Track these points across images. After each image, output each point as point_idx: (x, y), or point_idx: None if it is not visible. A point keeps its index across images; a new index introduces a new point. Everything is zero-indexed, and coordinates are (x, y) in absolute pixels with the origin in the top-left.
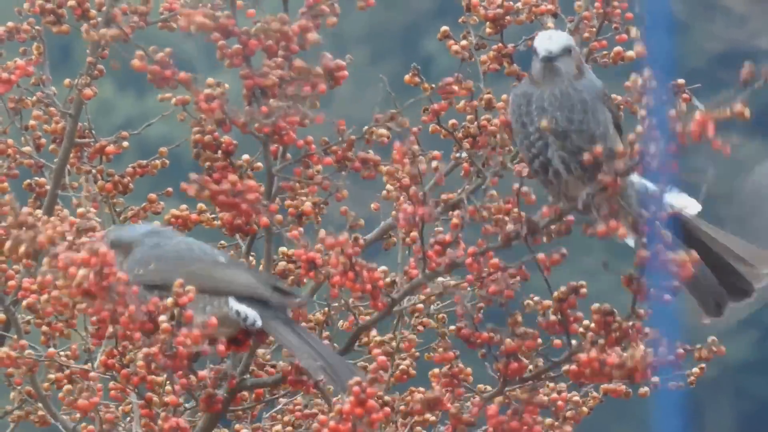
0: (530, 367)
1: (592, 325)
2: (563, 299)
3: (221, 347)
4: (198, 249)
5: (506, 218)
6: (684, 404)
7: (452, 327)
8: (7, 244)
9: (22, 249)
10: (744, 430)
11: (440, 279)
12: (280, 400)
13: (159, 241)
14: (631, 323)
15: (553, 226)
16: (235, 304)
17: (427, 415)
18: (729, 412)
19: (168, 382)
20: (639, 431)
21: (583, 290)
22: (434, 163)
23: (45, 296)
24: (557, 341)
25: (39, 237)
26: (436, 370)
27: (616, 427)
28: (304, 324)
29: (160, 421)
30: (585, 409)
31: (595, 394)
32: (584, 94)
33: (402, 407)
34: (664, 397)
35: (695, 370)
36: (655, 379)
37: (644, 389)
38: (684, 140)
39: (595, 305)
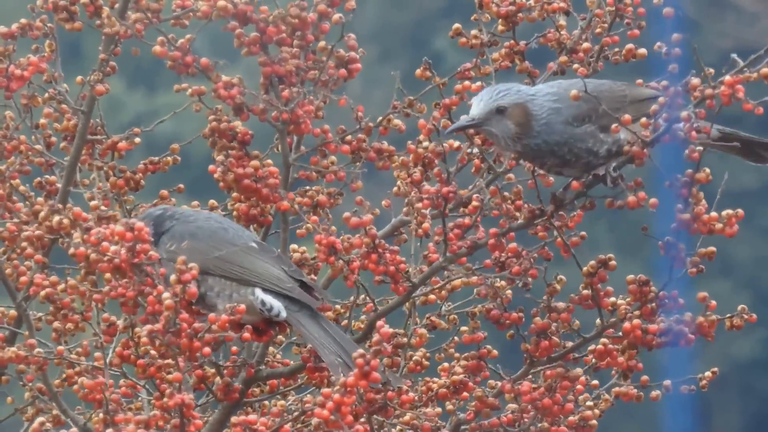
0: (560, 345)
1: (620, 301)
2: (593, 273)
3: (247, 335)
4: (232, 231)
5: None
6: (692, 403)
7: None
8: (42, 213)
9: (55, 219)
10: (752, 429)
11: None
12: (290, 398)
13: (193, 216)
14: (667, 293)
15: (577, 202)
16: (261, 294)
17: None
18: (737, 410)
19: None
20: (648, 429)
21: (612, 263)
22: (456, 143)
23: (62, 285)
24: (576, 322)
25: (64, 220)
26: (446, 365)
27: (624, 423)
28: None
29: (165, 398)
30: (597, 411)
31: (606, 396)
32: (553, 136)
33: (424, 389)
34: (673, 396)
35: (707, 373)
36: (667, 382)
37: (655, 392)
38: (713, 104)
39: (630, 276)
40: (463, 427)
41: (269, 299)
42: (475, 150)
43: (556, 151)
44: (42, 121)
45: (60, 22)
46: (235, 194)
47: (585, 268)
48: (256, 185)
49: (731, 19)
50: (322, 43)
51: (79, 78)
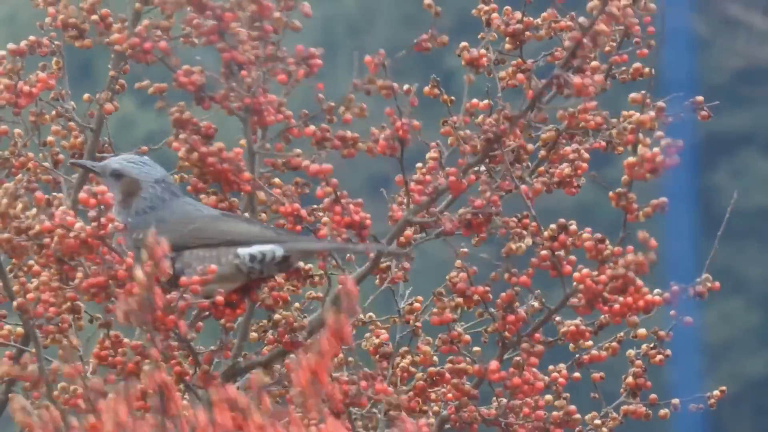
0: (527, 320)
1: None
2: (554, 237)
3: (220, 298)
4: (203, 206)
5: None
6: (704, 422)
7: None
8: (3, 201)
9: (19, 207)
10: None
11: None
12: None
13: (162, 198)
14: (622, 248)
15: (531, 114)
16: (245, 251)
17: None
18: (749, 429)
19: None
20: None
21: (573, 227)
22: (406, 86)
23: (35, 282)
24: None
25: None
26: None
27: None
28: None
29: (144, 381)
30: (605, 429)
31: (614, 414)
32: None
33: (398, 372)
34: (685, 415)
35: (716, 392)
36: (675, 400)
37: (664, 411)
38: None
39: (587, 234)
40: (446, 425)
41: (257, 249)
42: (482, 168)
43: None
44: (50, 138)
45: (69, 40)
46: (200, 183)
47: (545, 232)
48: (221, 166)
49: (742, 37)
50: (271, 48)
51: (86, 95)
